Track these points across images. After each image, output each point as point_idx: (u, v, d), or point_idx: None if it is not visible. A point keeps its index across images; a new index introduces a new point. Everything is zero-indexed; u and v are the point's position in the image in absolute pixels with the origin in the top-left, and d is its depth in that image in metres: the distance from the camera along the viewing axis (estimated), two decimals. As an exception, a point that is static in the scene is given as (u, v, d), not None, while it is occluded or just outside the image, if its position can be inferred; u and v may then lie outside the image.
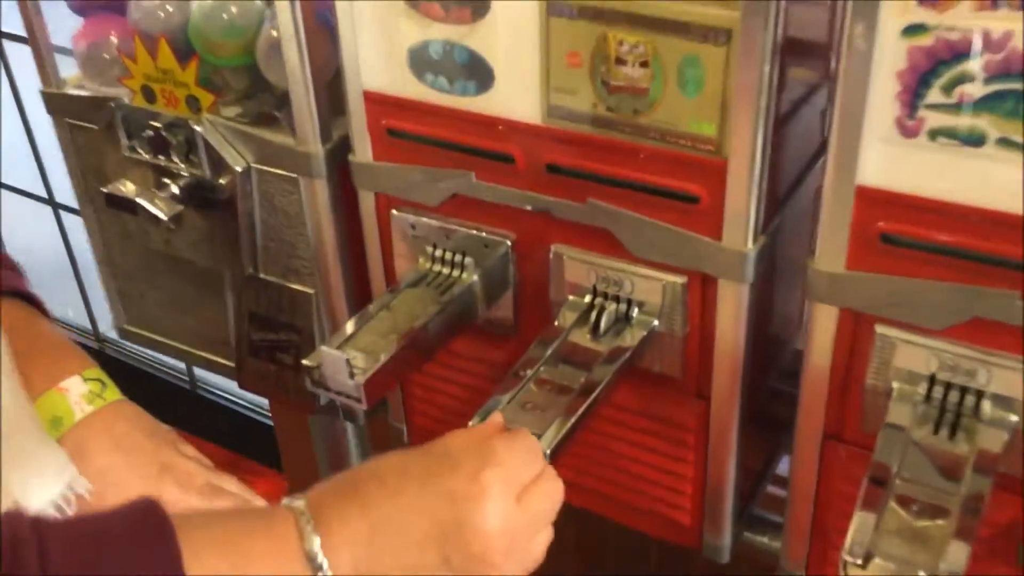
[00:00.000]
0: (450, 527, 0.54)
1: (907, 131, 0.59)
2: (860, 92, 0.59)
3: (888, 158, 0.61)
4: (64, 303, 2.00)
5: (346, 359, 0.70)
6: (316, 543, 0.50)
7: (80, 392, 0.72)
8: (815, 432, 0.72)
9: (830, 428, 0.72)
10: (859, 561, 0.56)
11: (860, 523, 0.59)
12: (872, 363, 0.67)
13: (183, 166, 0.89)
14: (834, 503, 0.75)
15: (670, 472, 0.81)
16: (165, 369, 1.91)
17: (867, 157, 0.61)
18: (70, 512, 0.71)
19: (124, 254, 1.04)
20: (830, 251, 0.65)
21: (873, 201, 0.62)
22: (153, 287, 1.04)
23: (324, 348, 0.71)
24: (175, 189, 0.90)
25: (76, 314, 2.02)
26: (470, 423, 0.66)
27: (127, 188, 0.91)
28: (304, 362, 0.72)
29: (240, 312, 0.97)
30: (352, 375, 0.71)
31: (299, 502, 0.53)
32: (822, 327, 0.68)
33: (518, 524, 0.56)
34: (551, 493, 0.59)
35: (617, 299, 0.75)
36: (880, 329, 0.66)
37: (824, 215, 0.64)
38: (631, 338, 0.74)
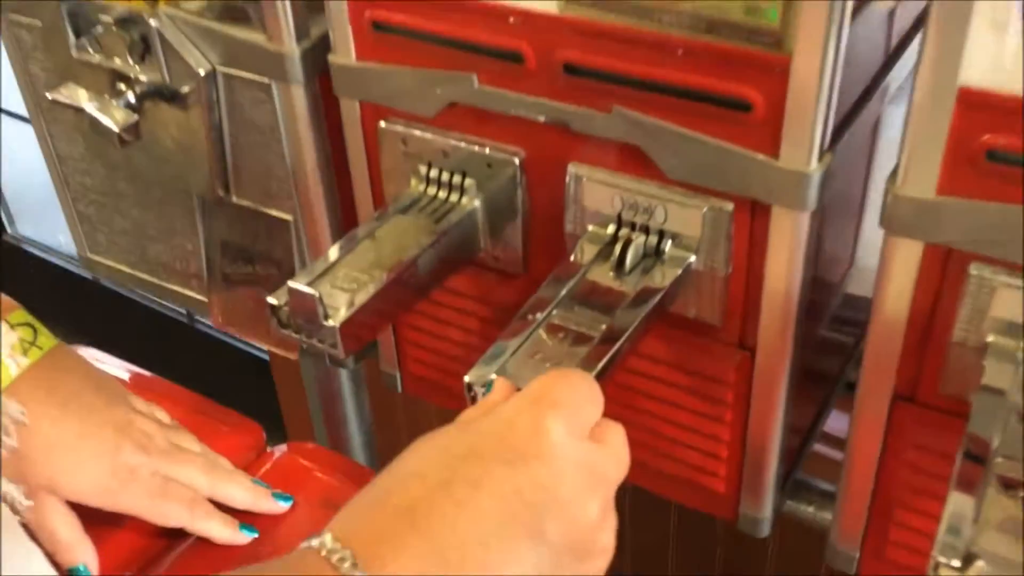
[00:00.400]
0: (530, 494, 0.42)
1: (1033, 14, 0.46)
2: (974, -39, 0.45)
3: (1002, 51, 0.47)
4: (56, 230, 1.90)
5: (318, 297, 0.58)
6: None
7: (9, 342, 0.61)
8: (883, 393, 0.60)
9: (901, 388, 0.60)
10: (957, 563, 0.44)
11: (955, 511, 0.47)
12: (963, 312, 0.54)
13: (138, 69, 0.76)
14: (900, 474, 0.63)
15: (704, 434, 0.69)
16: (161, 300, 1.80)
17: (975, 49, 0.47)
18: None
19: (82, 173, 0.92)
20: (918, 172, 0.52)
21: (979, 107, 0.49)
22: (116, 212, 0.92)
23: (292, 284, 0.59)
24: (131, 96, 0.78)
25: (69, 241, 1.92)
26: (467, 375, 0.55)
27: (75, 95, 0.78)
28: (268, 300, 0.61)
29: (211, 241, 0.85)
30: (326, 316, 0.59)
31: (325, 538, 0.41)
32: (901, 267, 0.55)
33: (598, 459, 0.45)
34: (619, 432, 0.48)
35: (647, 230, 0.62)
36: (976, 270, 0.53)
37: (913, 125, 0.51)
38: (662, 277, 0.61)
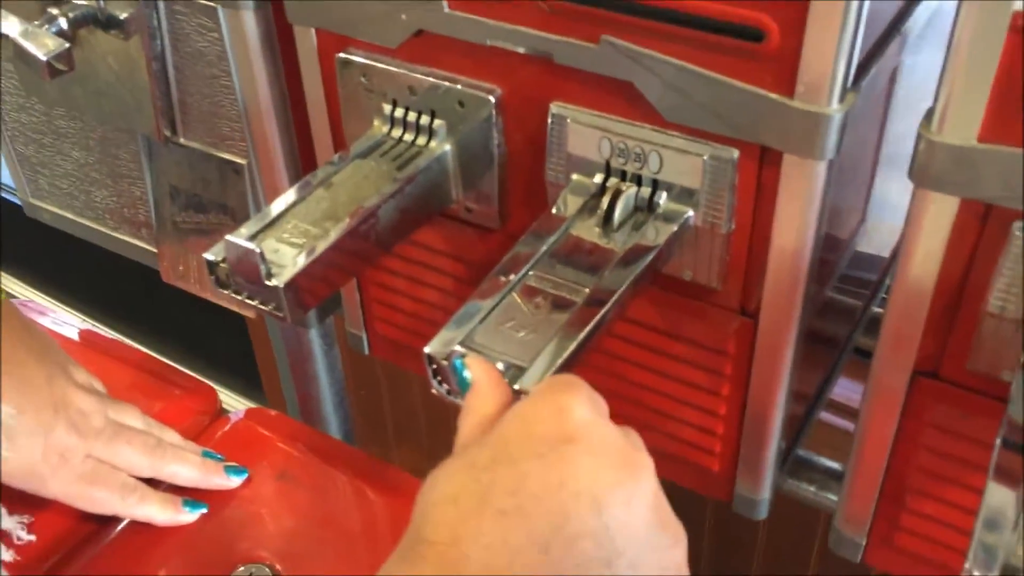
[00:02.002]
0: (573, 483, 0.36)
1: (1111, -79, 0.38)
2: None
3: (1069, -32, 0.39)
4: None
5: (259, 253, 0.51)
6: None
7: None
8: (903, 366, 0.53)
9: (923, 362, 0.53)
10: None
11: (994, 505, 0.41)
12: (1001, 278, 0.47)
13: (69, -10, 0.68)
14: (917, 457, 0.56)
15: (699, 408, 0.62)
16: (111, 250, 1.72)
17: (1036, -34, 0.40)
18: None
19: (18, 109, 0.83)
20: (959, 115, 0.44)
21: (1036, 37, 0.41)
22: (58, 153, 0.84)
23: (230, 237, 0.51)
24: (63, 23, 0.69)
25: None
26: (427, 346, 0.48)
27: (2, 21, 0.70)
28: (205, 256, 0.53)
29: (159, 186, 0.77)
30: (269, 275, 0.51)
31: None
32: (932, 226, 0.48)
33: (629, 441, 0.39)
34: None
35: (639, 180, 0.55)
36: (1020, 230, 0.46)
37: (955, 58, 0.43)
38: (655, 234, 0.54)
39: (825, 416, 0.84)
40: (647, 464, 0.38)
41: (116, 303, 1.75)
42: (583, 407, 0.38)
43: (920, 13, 0.58)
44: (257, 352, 1.44)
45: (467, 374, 0.44)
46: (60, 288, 1.79)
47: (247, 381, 1.61)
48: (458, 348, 0.46)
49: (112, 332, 1.79)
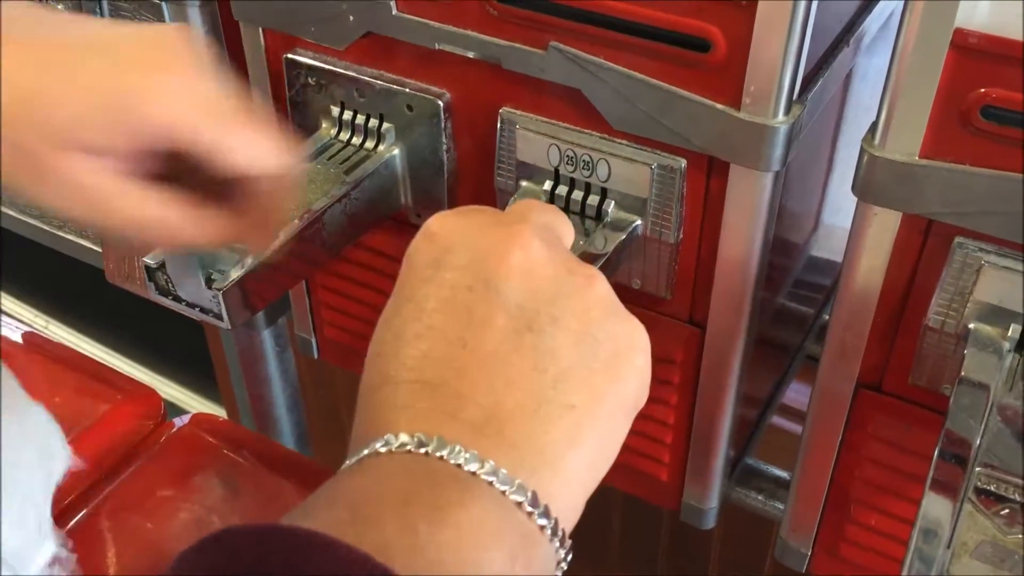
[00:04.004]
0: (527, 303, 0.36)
1: (1050, -60, 0.38)
2: None
3: (1009, -14, 0.39)
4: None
5: (199, 259, 0.50)
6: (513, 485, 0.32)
7: None
8: (846, 379, 0.53)
9: (867, 375, 0.53)
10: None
11: (930, 515, 0.41)
12: (942, 293, 0.47)
13: (9, -17, 0.66)
14: (860, 468, 0.57)
15: (647, 416, 0.62)
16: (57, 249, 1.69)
17: (977, -16, 0.40)
18: None
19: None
20: (901, 130, 0.44)
21: (977, 55, 0.41)
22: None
23: (168, 243, 0.50)
24: (3, 16, 0.67)
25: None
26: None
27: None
28: (144, 261, 0.52)
29: (104, 185, 0.76)
30: (208, 281, 0.50)
31: (408, 440, 0.32)
32: (874, 240, 0.48)
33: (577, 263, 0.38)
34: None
35: (587, 188, 0.54)
36: (960, 245, 0.46)
37: (897, 74, 0.43)
38: (604, 242, 0.53)
39: (777, 420, 0.85)
40: (525, 227, 0.37)
41: (72, 300, 1.72)
42: (441, 217, 0.38)
43: (876, 15, 0.58)
44: (212, 352, 1.42)
45: None
46: (13, 284, 1.76)
47: (204, 380, 1.59)
48: None
49: (69, 329, 1.76)
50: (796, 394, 0.81)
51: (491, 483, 0.32)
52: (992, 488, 0.42)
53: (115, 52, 0.39)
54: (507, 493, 0.32)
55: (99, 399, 0.77)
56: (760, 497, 0.68)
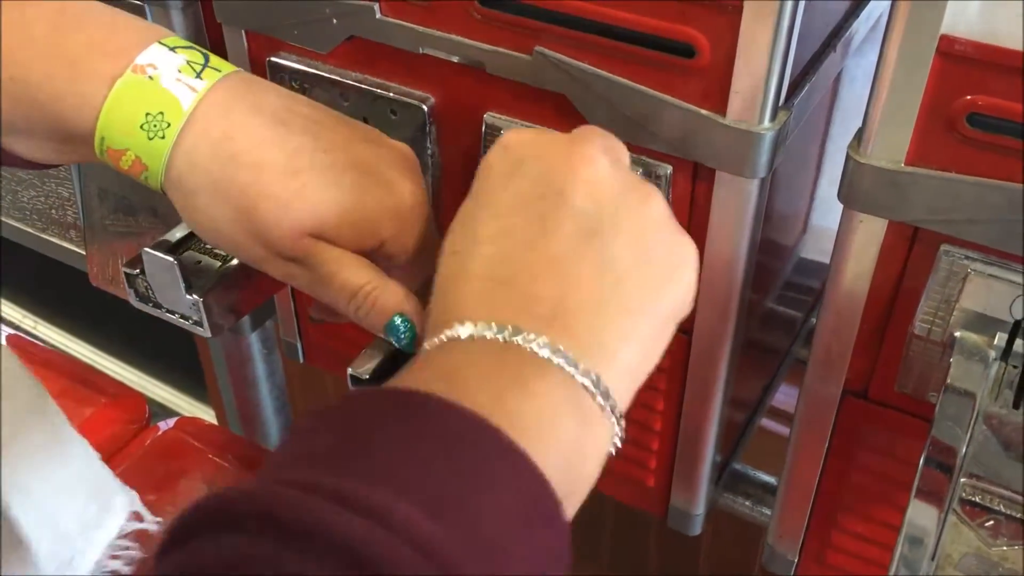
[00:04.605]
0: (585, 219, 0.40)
1: (1036, -53, 0.37)
2: None
3: (995, -7, 0.39)
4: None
5: (176, 264, 0.49)
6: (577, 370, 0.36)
7: (175, 65, 0.44)
8: (832, 385, 0.53)
9: (853, 382, 0.53)
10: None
11: (915, 522, 0.41)
12: (928, 300, 0.47)
13: (-11, -15, 0.65)
14: (847, 475, 0.56)
15: (634, 422, 0.61)
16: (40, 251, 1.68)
17: (963, -10, 0.39)
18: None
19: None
20: (886, 137, 0.44)
21: (962, 61, 0.41)
22: (-17, 151, 0.81)
23: (148, 250, 0.50)
24: (-16, 17, 0.66)
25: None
26: (351, 367, 0.46)
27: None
28: (124, 269, 0.51)
29: (87, 188, 0.75)
30: (189, 288, 0.50)
31: (478, 330, 0.37)
32: (860, 247, 0.47)
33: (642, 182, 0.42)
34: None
35: (572, 193, 0.54)
36: (946, 253, 0.45)
37: (882, 81, 0.43)
38: (588, 248, 0.53)
39: (766, 423, 0.85)
40: (594, 147, 0.41)
41: (61, 300, 1.71)
42: (517, 132, 0.42)
43: (864, 18, 0.58)
44: (200, 355, 1.42)
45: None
46: (1, 285, 1.75)
47: (193, 381, 1.58)
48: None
49: (57, 330, 1.75)
50: (785, 396, 0.81)
51: (560, 366, 0.35)
52: (977, 499, 0.41)
53: (379, 176, 0.46)
54: (575, 375, 0.36)
55: (83, 402, 0.76)
56: (747, 503, 0.68)
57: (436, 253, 0.46)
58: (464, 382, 0.35)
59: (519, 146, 0.41)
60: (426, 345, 0.38)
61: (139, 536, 0.63)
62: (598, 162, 0.40)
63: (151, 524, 0.63)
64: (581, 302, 0.38)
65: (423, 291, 0.46)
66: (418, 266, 0.48)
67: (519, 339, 0.36)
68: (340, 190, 0.44)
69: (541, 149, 0.41)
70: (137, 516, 0.62)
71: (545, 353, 0.36)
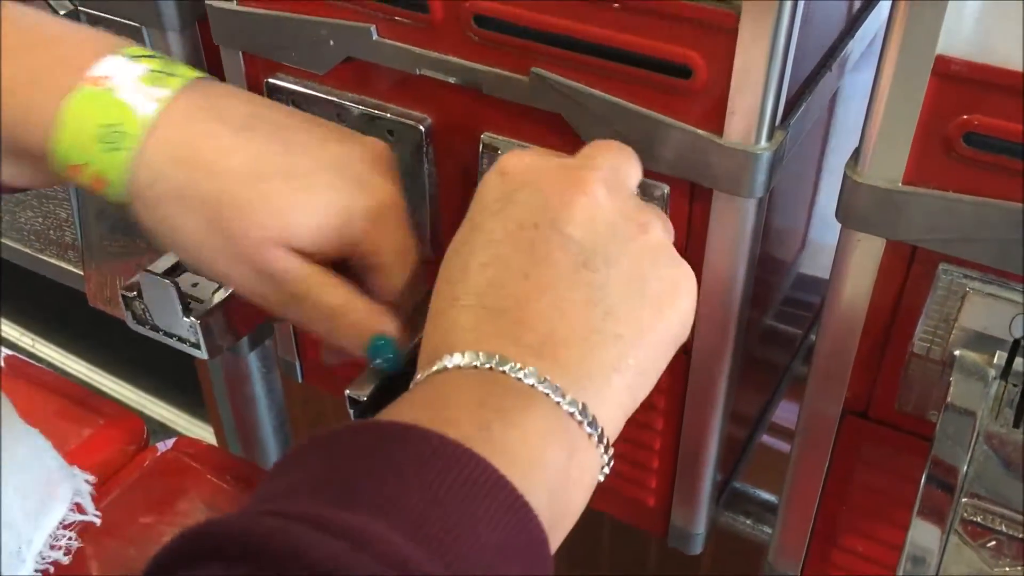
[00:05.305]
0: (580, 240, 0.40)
1: (1030, -31, 0.38)
2: (963, -99, 0.37)
3: (990, 15, 0.39)
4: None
5: (175, 287, 0.49)
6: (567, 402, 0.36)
7: (135, 75, 0.43)
8: (832, 404, 0.53)
9: (853, 401, 0.53)
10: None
11: (917, 542, 0.41)
12: (927, 319, 0.47)
13: (-13, 8, 0.65)
14: (848, 495, 0.56)
15: (633, 442, 0.61)
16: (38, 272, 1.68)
17: (958, 12, 0.39)
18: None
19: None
20: (883, 157, 0.44)
21: (958, 81, 0.41)
22: (-18, 172, 0.81)
23: (146, 272, 0.50)
24: (-18, 40, 0.66)
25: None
26: (349, 388, 0.46)
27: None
28: (121, 291, 0.51)
29: (85, 209, 0.75)
30: (186, 310, 0.50)
31: (465, 359, 0.37)
32: (858, 266, 0.47)
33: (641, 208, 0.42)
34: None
35: (569, 213, 0.54)
36: (945, 272, 0.45)
37: (878, 101, 0.43)
38: (587, 268, 0.53)
39: (767, 439, 0.84)
40: (591, 175, 0.41)
41: (59, 319, 1.71)
42: (515, 157, 0.42)
43: (860, 37, 0.58)
44: (199, 373, 1.41)
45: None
46: (1, 303, 1.75)
47: (192, 399, 1.58)
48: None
49: (56, 349, 1.75)
50: (786, 412, 0.81)
51: (547, 395, 0.36)
52: (979, 519, 0.41)
53: (352, 176, 0.45)
54: (561, 404, 0.36)
55: (82, 424, 0.76)
56: (748, 521, 0.67)
57: (417, 256, 0.46)
58: (450, 411, 0.35)
59: (515, 172, 0.41)
60: (418, 375, 0.38)
61: (81, 528, 0.63)
62: (595, 191, 0.40)
63: (93, 516, 0.63)
64: (571, 332, 0.37)
65: (416, 316, 0.46)
66: (399, 272, 0.46)
67: (506, 368, 0.36)
68: (310, 193, 0.43)
69: (537, 175, 0.41)
70: (79, 508, 0.62)
71: (531, 381, 0.36)
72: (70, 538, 0.61)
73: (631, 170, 0.43)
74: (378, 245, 0.45)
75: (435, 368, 0.37)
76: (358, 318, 0.45)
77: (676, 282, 0.41)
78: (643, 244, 0.40)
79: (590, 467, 0.37)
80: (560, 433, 0.36)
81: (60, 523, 0.63)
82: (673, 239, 0.43)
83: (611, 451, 0.38)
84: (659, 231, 0.41)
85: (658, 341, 0.40)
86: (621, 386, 0.38)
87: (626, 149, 0.43)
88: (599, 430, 0.36)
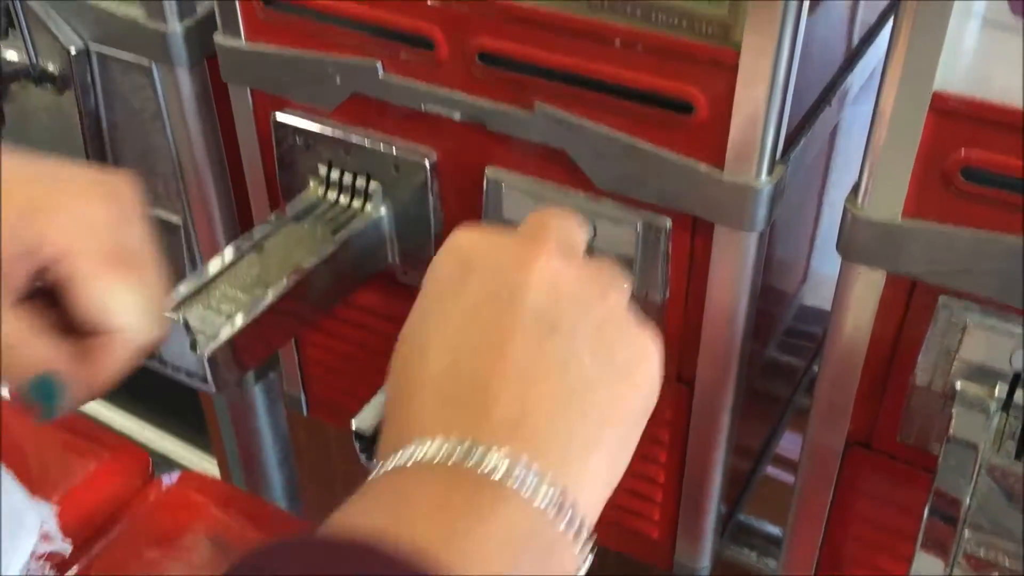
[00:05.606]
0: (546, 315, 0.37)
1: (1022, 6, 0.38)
2: (956, -58, 0.38)
3: (985, 51, 0.40)
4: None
5: (183, 322, 0.49)
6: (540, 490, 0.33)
7: None
8: (836, 436, 0.53)
9: (856, 433, 0.53)
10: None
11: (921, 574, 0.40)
12: (928, 352, 0.47)
13: (1, 44, 0.67)
14: (853, 526, 0.56)
15: (637, 474, 0.62)
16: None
17: (954, 49, 0.40)
18: None
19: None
20: (883, 191, 0.44)
21: (955, 117, 0.42)
22: (-9, 206, 0.82)
23: (153, 306, 0.50)
24: (-7, 77, 0.68)
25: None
26: (355, 420, 0.46)
27: (-69, 74, 0.68)
28: (129, 324, 0.51)
29: (93, 243, 0.76)
30: (193, 345, 0.50)
31: (431, 447, 0.33)
32: (860, 298, 0.48)
33: (596, 270, 0.40)
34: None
35: (573, 246, 0.54)
36: (945, 305, 0.46)
37: (877, 137, 0.43)
38: (590, 301, 0.53)
39: (771, 471, 0.84)
40: (545, 244, 0.39)
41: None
42: (464, 234, 0.40)
43: (859, 72, 0.59)
44: (204, 406, 1.41)
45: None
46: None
47: (197, 431, 1.58)
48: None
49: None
50: (791, 444, 0.81)
51: (518, 490, 0.32)
52: (981, 553, 0.41)
53: (53, 179, 0.40)
54: (535, 502, 0.32)
55: (86, 457, 0.76)
56: (753, 554, 0.67)
57: (151, 268, 0.40)
58: (412, 514, 0.32)
59: (467, 249, 0.39)
60: (375, 471, 0.34)
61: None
62: (551, 259, 0.38)
63: (59, 545, 0.62)
64: (543, 407, 0.35)
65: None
66: (104, 284, 0.40)
67: (474, 460, 0.33)
68: None
69: (490, 250, 0.39)
70: (46, 537, 0.61)
71: (501, 475, 0.32)
72: (46, 571, 0.61)
73: (579, 236, 0.42)
74: (68, 235, 0.38)
75: (395, 461, 0.34)
76: (23, 352, 0.38)
77: (643, 347, 0.39)
78: (606, 310, 0.38)
79: (568, 566, 0.33)
80: (533, 536, 0.32)
81: (32, 554, 0.62)
82: (632, 290, 0.41)
83: (592, 542, 0.34)
84: (619, 294, 0.39)
85: (632, 410, 0.38)
86: (601, 464, 0.35)
87: (570, 215, 0.42)
88: (578, 523, 0.33)
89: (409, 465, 0.33)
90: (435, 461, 0.33)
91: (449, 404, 0.35)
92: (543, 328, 0.36)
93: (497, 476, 0.32)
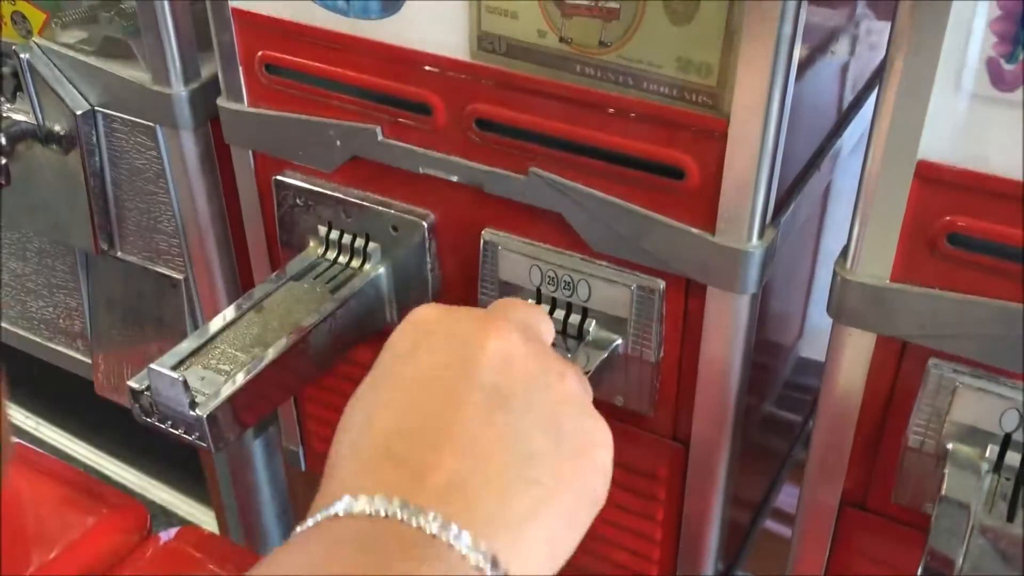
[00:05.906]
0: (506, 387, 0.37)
1: (1002, 80, 0.39)
2: (936, 19, 0.39)
3: (967, 121, 0.41)
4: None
5: (183, 381, 0.50)
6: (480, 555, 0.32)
7: None
8: (830, 497, 0.53)
9: (851, 494, 0.53)
10: None
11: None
12: (920, 413, 0.48)
13: (8, 107, 0.68)
14: (849, 586, 0.56)
15: (633, 532, 0.62)
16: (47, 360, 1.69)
17: (937, 119, 0.41)
18: None
19: (-44, 220, 0.83)
20: (871, 255, 0.45)
21: (939, 184, 0.43)
22: (-5, 262, 0.83)
23: (154, 366, 0.51)
24: (1, 138, 0.69)
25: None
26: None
27: (-61, 135, 0.70)
28: (129, 384, 0.52)
29: (95, 298, 0.77)
30: (192, 404, 0.51)
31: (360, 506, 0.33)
32: (851, 360, 0.48)
33: (554, 358, 0.39)
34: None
35: (568, 307, 0.55)
36: (935, 367, 0.46)
37: (865, 203, 0.44)
38: (586, 361, 0.54)
39: (770, 525, 0.84)
40: (505, 323, 0.39)
41: (63, 402, 1.71)
42: (427, 309, 0.40)
43: (848, 136, 0.60)
44: (202, 459, 1.41)
45: None
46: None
47: (195, 483, 1.57)
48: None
49: (59, 431, 1.74)
50: (791, 497, 0.81)
51: (451, 546, 0.32)
52: (976, 616, 0.41)
53: None
54: (468, 558, 0.32)
55: (85, 512, 0.76)
56: (751, 611, 0.67)
57: None
58: (332, 568, 0.31)
59: (427, 321, 0.39)
60: (298, 527, 0.34)
61: None
62: (509, 336, 0.38)
63: None
64: (483, 475, 0.34)
65: None
66: None
67: (405, 515, 0.32)
68: None
69: (450, 323, 0.39)
70: None
71: (434, 529, 0.32)
72: None
73: (543, 325, 0.42)
74: None
75: (322, 514, 0.33)
76: None
77: (594, 436, 0.38)
78: (560, 393, 0.38)
79: None
80: None
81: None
82: (591, 396, 0.40)
83: None
84: (575, 382, 0.39)
85: (578, 493, 0.37)
86: (539, 537, 0.34)
87: (537, 307, 0.42)
88: None
89: (342, 515, 0.32)
90: (365, 514, 0.32)
91: (387, 466, 0.34)
92: (495, 400, 0.36)
93: (430, 531, 0.32)
